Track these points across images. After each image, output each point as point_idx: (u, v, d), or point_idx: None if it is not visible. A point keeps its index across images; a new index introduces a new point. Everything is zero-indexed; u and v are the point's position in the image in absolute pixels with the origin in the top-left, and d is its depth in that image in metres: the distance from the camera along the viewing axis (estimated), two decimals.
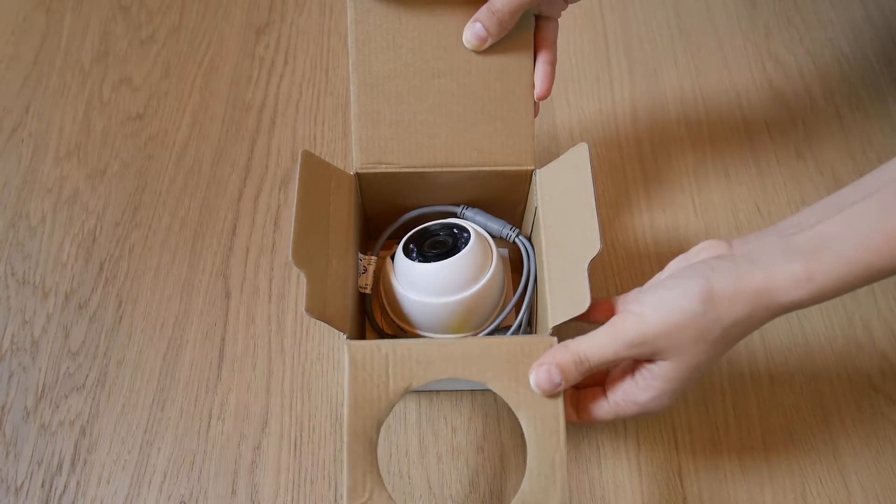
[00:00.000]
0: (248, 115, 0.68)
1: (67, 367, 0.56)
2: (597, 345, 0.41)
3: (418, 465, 0.52)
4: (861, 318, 0.58)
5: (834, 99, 0.69)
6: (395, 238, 0.54)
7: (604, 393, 0.45)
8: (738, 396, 0.54)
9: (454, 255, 0.49)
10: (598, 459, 0.52)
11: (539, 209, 0.50)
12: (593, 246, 0.43)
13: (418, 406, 0.54)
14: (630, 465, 0.52)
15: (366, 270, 0.52)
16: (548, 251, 0.48)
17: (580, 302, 0.42)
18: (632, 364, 0.44)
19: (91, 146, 0.67)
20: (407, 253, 0.51)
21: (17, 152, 0.66)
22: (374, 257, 0.53)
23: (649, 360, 0.42)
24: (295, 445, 0.53)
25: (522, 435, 0.53)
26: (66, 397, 0.55)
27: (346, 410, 0.41)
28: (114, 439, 0.53)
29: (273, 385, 0.55)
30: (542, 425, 0.42)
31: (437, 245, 0.51)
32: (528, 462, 0.41)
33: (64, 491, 0.51)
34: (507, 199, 0.55)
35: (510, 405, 0.42)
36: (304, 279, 0.42)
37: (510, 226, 0.54)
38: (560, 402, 0.42)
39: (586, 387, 0.46)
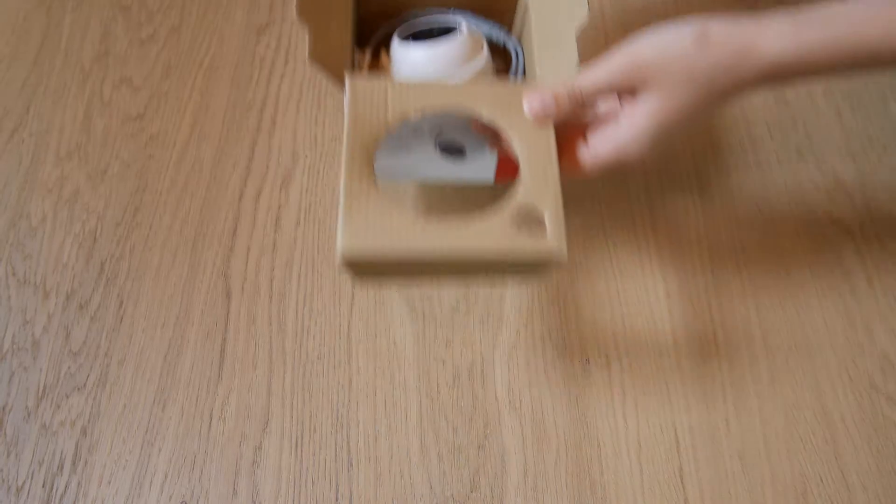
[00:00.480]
0: (249, 114, 0.68)
1: (68, 367, 0.56)
2: (589, 73, 0.42)
3: (419, 465, 0.52)
4: (861, 318, 0.58)
5: (835, 99, 0.69)
6: (385, 46, 0.58)
7: (585, 139, 0.45)
8: (738, 396, 0.55)
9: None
10: (598, 459, 0.52)
11: (529, 6, 0.53)
12: (581, 10, 0.45)
13: (419, 405, 0.54)
14: (631, 464, 0.52)
15: (361, 67, 0.54)
16: (539, 45, 0.51)
17: (570, 62, 0.43)
18: (616, 110, 0.44)
19: (92, 146, 0.67)
20: (404, 41, 0.55)
21: (17, 152, 0.66)
22: (367, 51, 0.55)
23: (635, 94, 0.42)
24: (296, 445, 0.53)
25: (523, 434, 0.53)
26: (67, 397, 0.55)
27: (345, 129, 0.42)
28: (115, 439, 0.53)
29: (274, 385, 0.55)
30: (534, 145, 0.43)
31: (432, 38, 0.54)
32: (520, 172, 0.42)
33: (65, 491, 0.51)
34: (497, 5, 0.58)
35: (502, 128, 0.43)
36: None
37: (499, 26, 0.57)
38: (551, 128, 0.44)
39: (569, 138, 0.46)
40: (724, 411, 0.54)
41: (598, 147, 0.44)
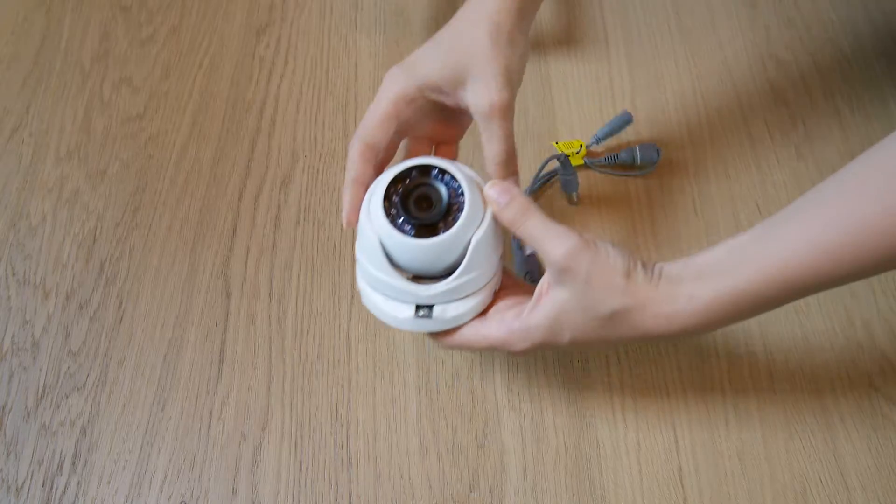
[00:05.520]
0: (249, 115, 0.68)
1: (68, 367, 0.56)
2: (546, 224, 0.43)
3: (419, 465, 0.52)
4: (861, 318, 0.58)
5: (834, 99, 0.69)
6: None
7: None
8: (738, 396, 0.54)
9: (450, 219, 0.44)
10: (598, 459, 0.52)
11: None
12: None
13: (418, 405, 0.54)
14: (630, 464, 0.52)
15: None
16: None
17: None
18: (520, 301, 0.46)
19: (91, 146, 0.67)
20: (392, 219, 0.43)
21: (17, 152, 0.66)
22: None
23: (550, 284, 0.43)
24: (296, 445, 0.53)
25: (523, 434, 0.53)
26: (67, 397, 0.55)
27: None
28: (114, 439, 0.53)
29: (274, 385, 0.55)
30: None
31: (425, 200, 0.45)
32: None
33: (65, 491, 0.51)
34: None
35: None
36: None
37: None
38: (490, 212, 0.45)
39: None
40: (724, 411, 0.54)
41: (488, 321, 0.46)
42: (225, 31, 0.74)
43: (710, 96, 0.69)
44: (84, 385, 0.55)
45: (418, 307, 0.45)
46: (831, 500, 0.50)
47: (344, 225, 0.46)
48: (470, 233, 0.44)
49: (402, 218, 0.43)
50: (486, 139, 0.46)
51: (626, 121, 0.64)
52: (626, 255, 0.43)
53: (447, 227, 0.43)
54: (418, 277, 0.46)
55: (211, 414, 0.54)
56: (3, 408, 0.54)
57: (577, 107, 0.69)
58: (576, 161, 0.63)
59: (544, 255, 0.43)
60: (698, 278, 0.42)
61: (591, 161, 0.64)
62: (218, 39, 0.73)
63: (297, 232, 0.62)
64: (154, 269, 0.60)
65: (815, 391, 0.55)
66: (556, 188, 0.64)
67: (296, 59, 0.72)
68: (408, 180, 0.45)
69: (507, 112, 0.45)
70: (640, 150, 0.63)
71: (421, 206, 0.44)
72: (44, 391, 0.55)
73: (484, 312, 0.46)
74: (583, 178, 0.63)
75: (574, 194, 0.62)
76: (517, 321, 0.44)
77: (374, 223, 0.44)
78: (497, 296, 0.47)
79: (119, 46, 0.73)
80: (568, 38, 0.73)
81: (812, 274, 0.40)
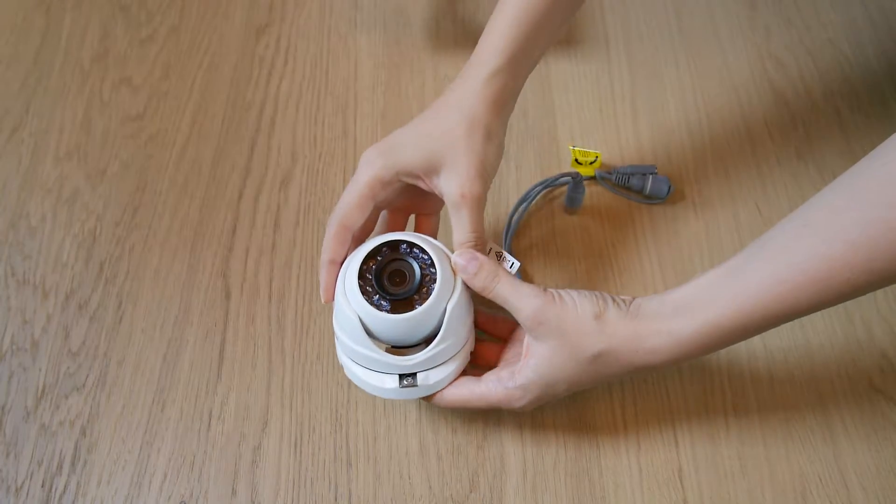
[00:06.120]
0: (248, 115, 0.68)
1: (67, 368, 0.56)
2: (514, 286, 0.45)
3: (418, 465, 0.52)
4: (861, 317, 0.58)
5: (834, 100, 0.69)
6: None
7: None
8: (737, 396, 0.54)
9: (423, 291, 0.45)
10: (598, 459, 0.52)
11: None
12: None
13: (418, 405, 0.54)
14: (630, 465, 0.52)
15: None
16: None
17: None
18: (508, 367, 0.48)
19: (91, 146, 0.67)
20: (368, 296, 0.45)
21: (17, 152, 0.66)
22: None
23: (529, 342, 0.46)
24: (295, 445, 0.53)
25: (522, 434, 0.53)
26: (67, 397, 0.55)
27: None
28: (114, 439, 0.53)
29: (273, 385, 0.55)
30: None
31: (398, 276, 0.47)
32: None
33: (64, 491, 0.51)
34: None
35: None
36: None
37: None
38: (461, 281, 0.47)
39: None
40: (724, 411, 0.54)
41: (489, 381, 0.47)
42: (225, 31, 0.74)
43: (709, 96, 0.69)
44: (83, 385, 0.55)
45: (402, 376, 0.47)
46: (831, 500, 0.50)
47: (323, 302, 0.49)
48: (444, 302, 0.45)
49: (377, 295, 0.45)
50: (456, 228, 0.47)
51: (650, 171, 0.63)
52: (594, 298, 0.45)
53: (422, 300, 0.45)
54: (395, 346, 0.47)
55: (210, 414, 0.54)
56: (3, 408, 0.54)
57: (577, 107, 0.69)
58: (587, 171, 0.63)
59: (516, 316, 0.45)
60: (676, 314, 0.44)
61: (602, 174, 0.63)
62: (218, 39, 0.73)
63: (297, 232, 0.62)
64: (153, 269, 0.60)
65: (814, 391, 0.55)
66: (557, 192, 0.64)
67: (295, 59, 0.72)
68: (379, 257, 0.46)
69: (477, 203, 0.47)
70: (651, 183, 0.62)
71: (394, 281, 0.46)
72: (43, 391, 0.55)
73: (475, 373, 0.49)
74: (587, 185, 0.63)
75: (576, 208, 0.62)
76: (512, 380, 0.46)
77: (351, 301, 0.46)
78: (479, 352, 0.50)
79: (119, 46, 0.73)
80: (568, 38, 0.73)
81: (783, 308, 0.42)
